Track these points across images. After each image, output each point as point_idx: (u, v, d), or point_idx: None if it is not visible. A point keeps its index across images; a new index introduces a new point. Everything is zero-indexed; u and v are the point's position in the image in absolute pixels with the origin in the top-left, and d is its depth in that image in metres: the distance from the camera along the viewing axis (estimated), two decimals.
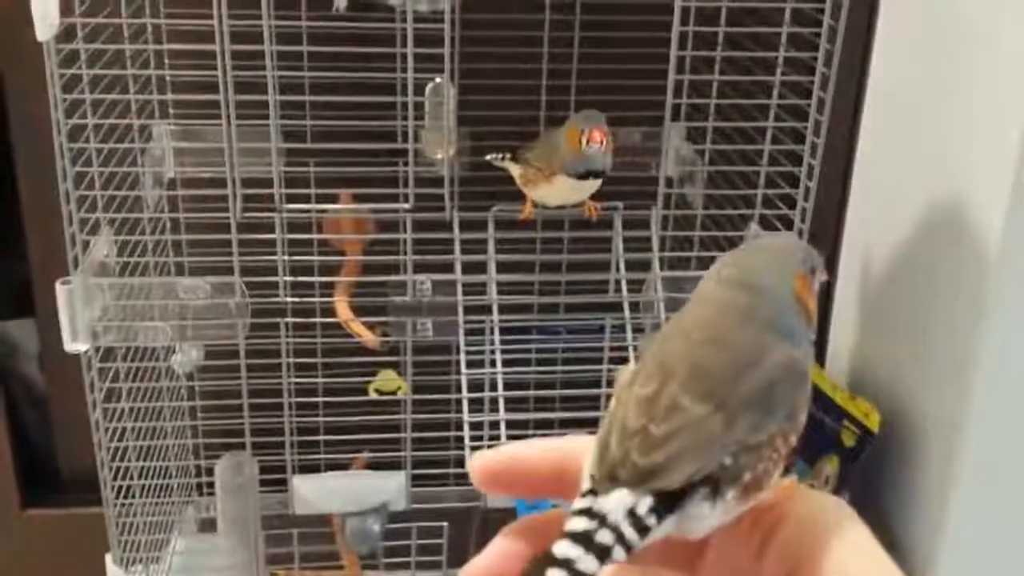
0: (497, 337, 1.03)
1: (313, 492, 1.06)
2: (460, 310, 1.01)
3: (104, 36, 0.95)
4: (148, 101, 1.08)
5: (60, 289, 0.91)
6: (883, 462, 1.19)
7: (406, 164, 0.96)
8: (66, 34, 0.87)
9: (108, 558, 1.03)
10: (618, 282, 1.06)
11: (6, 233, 1.27)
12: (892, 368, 1.22)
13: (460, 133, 1.15)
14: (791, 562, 0.35)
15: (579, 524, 0.34)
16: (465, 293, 1.01)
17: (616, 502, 0.34)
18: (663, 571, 0.34)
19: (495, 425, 1.00)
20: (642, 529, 0.34)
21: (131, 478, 1.03)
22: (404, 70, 0.92)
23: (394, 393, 1.21)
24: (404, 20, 0.92)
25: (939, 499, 1.11)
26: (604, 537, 0.33)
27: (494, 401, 1.01)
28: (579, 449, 0.37)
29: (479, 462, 0.38)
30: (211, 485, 1.18)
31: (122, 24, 0.98)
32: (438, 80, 1.09)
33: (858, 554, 0.34)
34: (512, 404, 1.02)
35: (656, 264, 1.03)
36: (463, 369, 1.02)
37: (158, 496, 1.13)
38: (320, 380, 1.15)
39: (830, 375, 1.27)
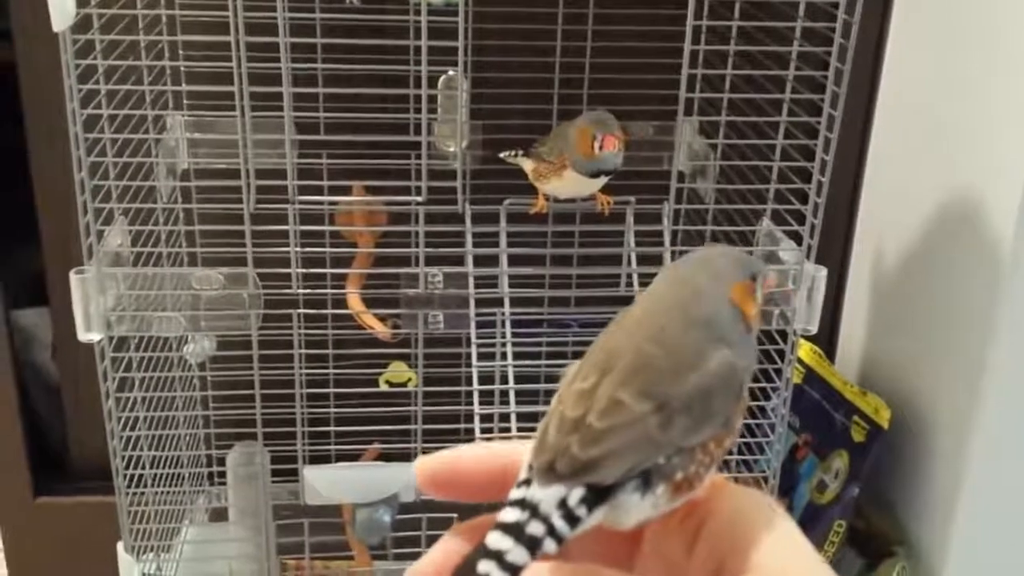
0: (508, 330, 1.03)
1: (324, 483, 1.07)
2: (471, 303, 1.01)
3: (119, 27, 0.95)
4: (163, 92, 1.09)
5: (74, 279, 0.91)
6: (893, 457, 1.19)
7: (419, 157, 0.96)
8: (82, 24, 0.87)
9: (119, 546, 1.04)
10: (629, 276, 1.06)
11: (21, 223, 1.28)
12: (902, 364, 1.22)
13: (472, 126, 1.15)
14: (720, 555, 0.36)
15: (511, 515, 0.35)
16: (477, 286, 1.01)
17: (548, 492, 0.35)
18: (596, 569, 0.35)
19: (505, 418, 1.00)
20: (573, 520, 0.35)
21: (143, 467, 1.04)
22: (417, 63, 0.92)
23: (405, 385, 1.21)
24: (418, 13, 0.92)
25: (949, 494, 1.11)
26: (535, 528, 0.34)
27: (504, 394, 1.01)
28: (519, 452, 0.38)
29: (421, 468, 0.39)
30: (222, 475, 1.19)
31: (137, 15, 0.98)
32: (451, 73, 1.09)
33: (783, 546, 0.35)
34: (522, 397, 1.02)
35: (668, 258, 1.03)
36: (474, 362, 1.02)
37: (170, 485, 1.14)
38: (331, 371, 1.15)
39: (840, 370, 1.27)
